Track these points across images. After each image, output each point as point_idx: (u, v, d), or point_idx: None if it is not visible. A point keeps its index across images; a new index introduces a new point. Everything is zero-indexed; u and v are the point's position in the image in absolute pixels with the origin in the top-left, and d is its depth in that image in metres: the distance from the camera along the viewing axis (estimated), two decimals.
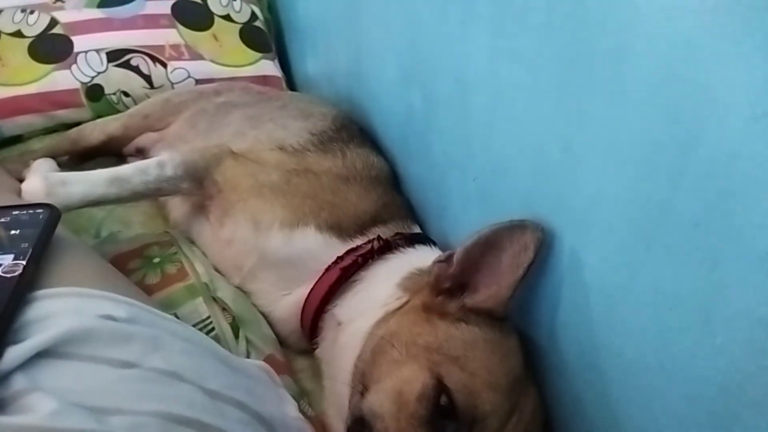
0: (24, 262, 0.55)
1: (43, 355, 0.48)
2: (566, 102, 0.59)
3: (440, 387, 0.61)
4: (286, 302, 0.83)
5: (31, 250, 0.57)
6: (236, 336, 0.76)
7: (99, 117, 1.22)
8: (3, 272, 0.54)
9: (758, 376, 0.44)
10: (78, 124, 1.21)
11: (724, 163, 0.45)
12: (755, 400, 0.44)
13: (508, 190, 0.70)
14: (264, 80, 1.34)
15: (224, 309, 0.78)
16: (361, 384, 0.66)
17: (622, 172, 0.53)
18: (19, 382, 0.45)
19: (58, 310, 0.52)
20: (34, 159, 1.05)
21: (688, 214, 0.48)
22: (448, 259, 0.69)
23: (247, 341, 0.76)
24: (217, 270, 0.86)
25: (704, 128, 0.47)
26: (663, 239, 0.50)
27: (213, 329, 0.75)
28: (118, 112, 1.22)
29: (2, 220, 0.61)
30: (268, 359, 0.74)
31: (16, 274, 0.54)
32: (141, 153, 1.12)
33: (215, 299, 0.79)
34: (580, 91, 0.58)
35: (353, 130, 1.02)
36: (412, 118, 0.89)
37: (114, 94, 1.27)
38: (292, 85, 1.43)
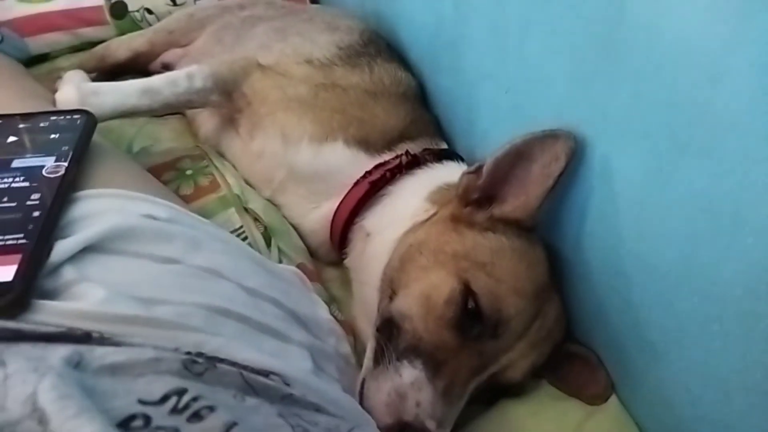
0: (66, 164, 0.56)
1: (89, 250, 0.49)
2: (605, 3, 0.57)
3: (467, 291, 0.63)
4: (316, 215, 0.84)
5: (71, 153, 0.58)
6: (268, 245, 0.78)
7: (123, 34, 1.22)
8: (46, 173, 0.55)
9: None
10: (103, 41, 1.21)
11: (765, 62, 0.44)
12: None
13: (543, 101, 0.69)
14: None
15: (256, 219, 0.80)
16: (390, 289, 0.69)
17: (661, 74, 0.52)
18: (69, 273, 0.47)
19: (101, 208, 0.54)
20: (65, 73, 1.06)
21: (725, 116, 0.47)
22: (477, 171, 0.69)
23: (279, 250, 0.78)
24: (247, 183, 0.87)
25: (747, 26, 0.45)
26: (700, 142, 0.50)
27: (246, 238, 0.77)
28: (142, 29, 1.22)
29: (42, 124, 0.62)
30: (300, 267, 0.76)
31: (59, 174, 0.55)
32: (167, 69, 1.10)
33: (247, 210, 0.81)
34: None
35: (381, 44, 1.00)
36: (442, 29, 0.87)
37: (137, 11, 1.25)
38: None
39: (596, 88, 0.60)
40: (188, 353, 0.41)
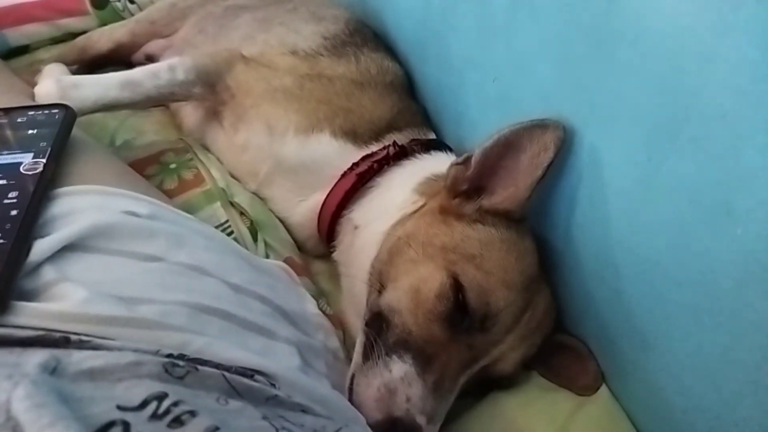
0: (44, 160, 0.55)
1: (69, 248, 0.48)
2: None
3: (456, 285, 0.62)
4: (303, 208, 0.83)
5: (50, 149, 0.57)
6: (255, 239, 0.77)
7: (105, 25, 1.19)
8: (24, 170, 0.54)
9: None
10: (85, 33, 1.19)
11: (758, 49, 0.44)
12: None
13: (530, 90, 0.68)
14: None
15: (242, 213, 0.79)
16: (379, 282, 0.68)
17: (649, 63, 0.52)
18: (48, 273, 0.46)
19: (81, 206, 0.53)
20: (45, 66, 1.04)
21: (715, 104, 0.47)
22: (465, 162, 0.69)
23: (266, 244, 0.78)
24: (233, 176, 0.86)
25: (737, 13, 0.45)
26: (688, 131, 0.49)
27: (232, 233, 0.76)
28: (124, 19, 1.20)
29: (19, 120, 0.61)
30: (287, 261, 0.75)
31: (38, 171, 0.54)
32: (150, 60, 1.09)
33: (233, 204, 0.79)
34: None
35: (367, 34, 0.99)
36: (429, 17, 0.86)
37: (119, 1, 1.23)
38: None
39: (584, 76, 0.59)
40: (170, 355, 0.40)
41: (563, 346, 0.72)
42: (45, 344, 0.38)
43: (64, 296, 0.44)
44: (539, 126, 0.63)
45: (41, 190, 0.53)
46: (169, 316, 0.47)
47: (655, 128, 0.52)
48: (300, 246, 0.85)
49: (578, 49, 0.59)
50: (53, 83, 0.75)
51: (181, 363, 0.39)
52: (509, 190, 0.67)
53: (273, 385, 0.44)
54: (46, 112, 0.62)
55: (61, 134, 0.59)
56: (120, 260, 0.50)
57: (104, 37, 1.13)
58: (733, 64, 0.45)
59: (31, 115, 0.61)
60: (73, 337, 0.39)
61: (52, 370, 0.34)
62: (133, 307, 0.46)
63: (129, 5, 1.24)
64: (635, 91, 0.54)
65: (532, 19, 0.66)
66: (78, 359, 0.36)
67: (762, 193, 0.44)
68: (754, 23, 0.44)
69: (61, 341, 0.38)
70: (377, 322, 0.65)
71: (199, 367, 0.39)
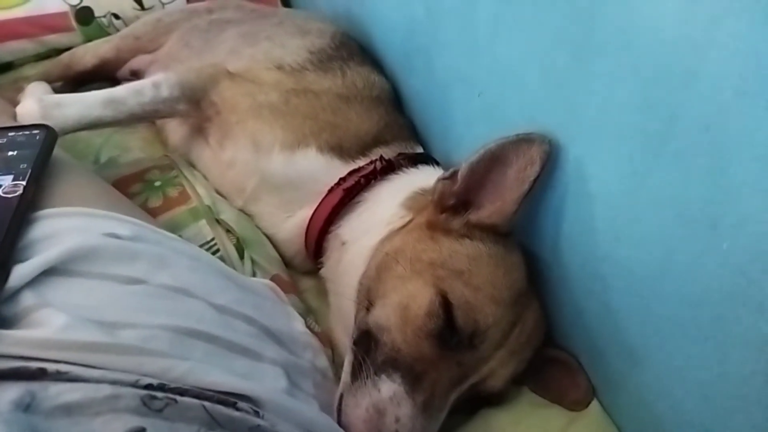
0: (24, 183, 0.54)
1: (49, 272, 0.48)
2: (576, 5, 0.56)
3: (445, 302, 0.62)
4: (290, 224, 0.83)
5: (30, 171, 0.56)
6: (241, 257, 0.76)
7: (90, 41, 1.19)
8: (3, 193, 0.53)
9: (763, 280, 0.44)
10: (70, 49, 1.18)
11: (739, 64, 0.44)
12: (759, 303, 0.45)
13: (515, 104, 0.68)
14: None
15: (228, 231, 0.78)
16: (367, 300, 0.67)
17: (633, 77, 0.52)
18: (28, 298, 0.45)
19: (61, 228, 0.52)
20: (28, 84, 1.03)
21: (699, 118, 0.47)
22: (452, 176, 0.68)
23: (253, 262, 0.77)
24: (219, 193, 0.85)
25: (719, 29, 0.45)
26: (673, 144, 0.49)
27: (218, 251, 0.75)
28: (109, 35, 1.19)
29: None
30: (274, 279, 0.74)
31: (17, 194, 0.53)
32: (135, 76, 1.09)
33: (219, 221, 0.79)
34: None
35: (353, 47, 0.99)
36: (415, 31, 0.86)
37: (104, 16, 1.23)
38: (287, 2, 1.38)
39: (568, 91, 0.59)
40: (149, 386, 0.39)
41: (553, 361, 0.71)
42: (20, 377, 0.37)
43: (44, 322, 0.43)
44: (525, 140, 0.63)
45: (21, 213, 0.52)
46: (152, 340, 0.46)
47: (640, 142, 0.52)
48: (287, 262, 0.84)
49: (562, 63, 0.59)
50: (35, 103, 0.74)
51: (159, 395, 0.38)
52: (496, 205, 0.66)
53: (257, 412, 0.43)
54: (27, 133, 0.61)
55: (42, 155, 0.58)
56: (101, 284, 0.50)
57: (89, 54, 1.12)
58: (717, 78, 0.45)
59: (11, 136, 0.61)
60: (51, 368, 0.38)
61: (26, 407, 0.34)
62: (114, 331, 0.45)
63: (114, 21, 1.23)
64: (619, 105, 0.54)
65: (516, 33, 0.66)
66: (54, 393, 0.36)
67: (747, 207, 0.44)
68: (736, 38, 0.44)
69: (38, 373, 0.37)
70: (365, 340, 0.64)
71: (179, 398, 0.38)
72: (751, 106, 0.43)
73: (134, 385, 0.39)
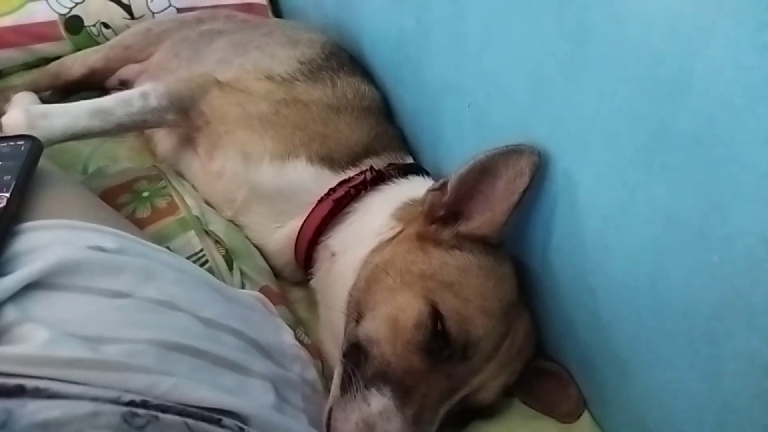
0: (8, 194, 0.54)
1: (33, 286, 0.47)
2: (565, 18, 0.57)
3: (435, 314, 0.61)
4: (280, 234, 0.82)
5: (14, 182, 0.55)
6: (230, 268, 0.76)
7: (79, 50, 1.18)
8: None
9: (754, 293, 0.44)
10: (59, 58, 1.18)
11: (727, 77, 0.44)
12: (749, 316, 0.45)
13: (504, 115, 0.68)
14: (249, 7, 1.29)
15: (217, 242, 0.78)
16: (356, 312, 0.67)
17: (622, 89, 0.52)
18: (10, 313, 0.44)
19: (46, 241, 0.51)
20: (15, 94, 1.02)
21: (688, 130, 0.47)
22: (442, 187, 0.68)
23: (242, 273, 0.76)
24: (208, 203, 0.84)
25: (708, 41, 0.45)
26: (662, 157, 0.49)
27: (206, 262, 0.74)
28: (99, 44, 1.19)
29: None
30: (263, 290, 0.74)
31: (1, 206, 0.52)
32: (124, 85, 1.08)
33: (207, 232, 0.78)
34: (580, 6, 0.55)
35: (343, 57, 0.98)
36: (405, 42, 0.86)
37: (94, 25, 1.22)
38: (277, 13, 1.38)
39: (557, 102, 0.59)
40: (130, 402, 0.38)
41: (544, 372, 0.71)
42: None
43: (26, 338, 0.43)
44: (514, 151, 0.63)
45: (5, 226, 0.51)
46: (137, 355, 0.46)
47: (629, 154, 0.52)
48: (277, 273, 0.84)
49: (551, 74, 0.59)
50: (21, 113, 0.74)
51: (141, 412, 0.37)
52: (486, 216, 0.66)
53: (242, 428, 0.43)
54: (12, 143, 0.61)
55: (27, 167, 0.58)
56: (86, 297, 0.49)
57: (78, 63, 1.11)
58: (705, 91, 0.45)
59: None
60: (29, 385, 0.37)
61: (2, 425, 0.33)
62: (98, 347, 0.45)
63: (104, 30, 1.23)
64: (608, 117, 0.54)
65: (505, 45, 0.66)
66: (32, 410, 0.35)
67: (737, 220, 0.44)
68: (724, 52, 0.44)
69: (16, 390, 0.36)
70: (355, 353, 0.63)
71: (161, 415, 0.38)
72: (738, 119, 0.43)
73: (116, 401, 0.38)
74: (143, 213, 0.78)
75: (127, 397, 0.39)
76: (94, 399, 0.38)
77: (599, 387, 0.65)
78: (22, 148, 0.60)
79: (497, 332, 0.63)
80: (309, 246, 0.79)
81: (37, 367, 0.40)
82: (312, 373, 0.64)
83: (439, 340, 0.61)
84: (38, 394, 0.37)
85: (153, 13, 1.24)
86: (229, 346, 0.53)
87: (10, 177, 0.56)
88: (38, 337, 0.42)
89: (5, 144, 0.61)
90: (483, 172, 0.65)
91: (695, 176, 0.47)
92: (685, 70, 0.47)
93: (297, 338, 0.67)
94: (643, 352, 0.56)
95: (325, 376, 0.69)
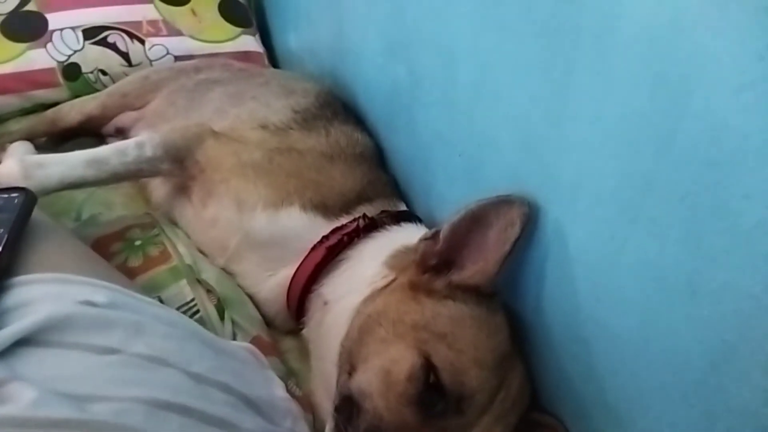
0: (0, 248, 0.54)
1: (22, 343, 0.47)
2: (552, 74, 0.58)
3: (428, 366, 0.61)
4: (272, 282, 0.82)
5: (6, 236, 0.55)
6: (222, 318, 0.75)
7: (77, 97, 1.19)
8: None
9: (744, 348, 0.44)
10: (56, 104, 1.19)
11: (710, 135, 0.45)
12: (741, 371, 0.45)
13: (494, 165, 0.69)
14: (245, 56, 1.31)
15: (209, 291, 0.77)
16: (349, 363, 0.66)
17: (608, 145, 0.53)
18: None
19: (36, 296, 0.51)
20: (11, 141, 1.04)
21: (674, 187, 0.47)
22: (434, 236, 0.68)
23: (233, 323, 0.76)
24: (200, 251, 0.84)
25: (690, 100, 0.46)
26: (649, 212, 0.50)
27: (198, 312, 0.74)
28: (97, 91, 1.20)
29: None
30: (255, 340, 0.73)
31: None
32: (121, 133, 1.09)
33: (199, 281, 0.78)
34: (566, 64, 0.57)
35: (337, 106, 1.00)
36: (397, 92, 0.88)
37: (91, 72, 1.24)
38: (273, 61, 1.40)
39: (545, 155, 0.60)
40: None
41: (539, 425, 0.70)
42: None
43: (13, 398, 0.42)
44: (505, 202, 0.64)
45: None
46: (125, 414, 0.45)
47: (616, 208, 0.53)
48: (269, 322, 0.83)
49: (539, 128, 0.61)
50: (17, 163, 0.74)
51: None
52: (478, 265, 0.66)
53: None
54: (5, 196, 0.61)
55: (20, 220, 0.58)
56: (75, 354, 0.49)
57: (74, 110, 1.12)
58: (690, 148, 0.46)
59: None
60: None
61: None
62: (86, 405, 0.44)
63: (101, 77, 1.24)
64: (595, 170, 0.55)
65: (494, 98, 0.67)
66: None
67: (724, 275, 0.44)
68: (706, 110, 0.45)
69: None
70: (347, 406, 0.62)
71: None
72: (722, 175, 0.44)
73: None
74: (135, 262, 0.78)
75: None
76: None
77: None
78: (15, 201, 0.60)
79: (491, 384, 0.62)
80: (301, 294, 0.79)
81: (24, 429, 0.40)
82: (303, 428, 0.63)
83: (432, 393, 0.60)
84: None
85: (151, 61, 1.25)
86: (218, 403, 0.53)
87: (2, 230, 0.56)
88: (25, 397, 0.42)
89: None
90: (474, 222, 0.66)
91: (682, 232, 0.47)
92: (668, 128, 0.48)
93: (288, 390, 0.66)
94: (637, 403, 0.55)
95: (317, 429, 0.68)
